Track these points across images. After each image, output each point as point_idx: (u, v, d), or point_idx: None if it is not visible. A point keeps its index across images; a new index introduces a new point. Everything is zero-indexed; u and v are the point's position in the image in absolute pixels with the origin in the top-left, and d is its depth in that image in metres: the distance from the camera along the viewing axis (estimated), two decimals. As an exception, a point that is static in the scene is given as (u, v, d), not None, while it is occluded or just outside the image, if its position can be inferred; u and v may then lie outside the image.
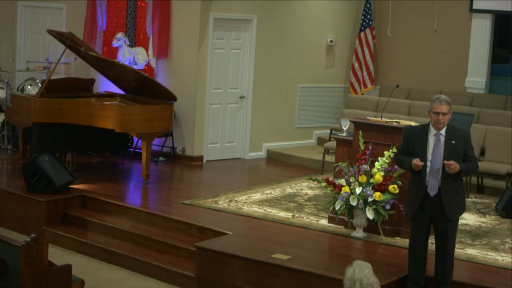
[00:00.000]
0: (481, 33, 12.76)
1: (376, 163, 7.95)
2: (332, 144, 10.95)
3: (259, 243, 7.81)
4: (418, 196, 6.50)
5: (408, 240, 8.05)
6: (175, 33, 11.77)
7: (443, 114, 6.35)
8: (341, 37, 13.60)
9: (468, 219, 9.07)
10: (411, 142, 6.57)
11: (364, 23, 13.52)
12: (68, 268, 6.17)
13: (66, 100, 10.29)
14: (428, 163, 6.43)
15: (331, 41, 13.37)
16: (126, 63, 11.35)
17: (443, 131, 6.40)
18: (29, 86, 11.81)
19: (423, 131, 6.51)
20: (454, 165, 6.30)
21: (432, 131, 6.44)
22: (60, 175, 9.37)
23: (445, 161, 6.32)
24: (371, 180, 7.89)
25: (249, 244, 7.84)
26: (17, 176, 10.14)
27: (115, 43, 11.62)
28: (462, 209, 6.66)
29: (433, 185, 6.43)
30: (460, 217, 9.02)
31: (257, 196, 9.77)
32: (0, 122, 11.77)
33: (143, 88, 10.64)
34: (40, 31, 12.82)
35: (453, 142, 6.37)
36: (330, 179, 8.17)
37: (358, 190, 7.86)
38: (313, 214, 8.96)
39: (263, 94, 12.43)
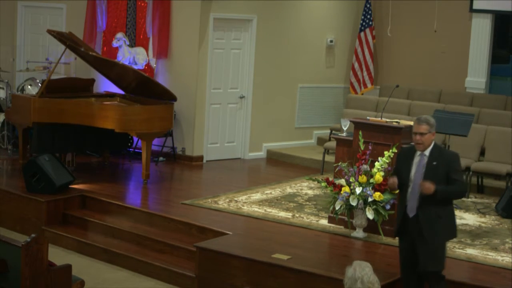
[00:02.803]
0: (481, 33, 12.75)
1: (376, 163, 7.94)
2: (332, 144, 10.95)
3: (259, 243, 7.81)
4: (399, 216, 6.36)
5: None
6: (175, 33, 11.77)
7: (421, 134, 6.14)
8: (341, 37, 13.60)
9: (468, 219, 9.07)
10: (401, 162, 6.44)
11: (364, 23, 13.52)
12: (68, 268, 6.17)
13: (66, 100, 10.29)
14: (410, 183, 6.25)
15: (331, 41, 13.37)
16: (126, 63, 11.35)
17: (427, 152, 6.20)
18: (29, 86, 11.81)
19: (411, 151, 6.32)
20: (427, 186, 6.05)
21: (418, 152, 6.25)
22: (60, 175, 9.37)
23: (420, 182, 6.12)
24: (371, 180, 7.89)
25: (249, 244, 7.84)
26: (17, 176, 10.14)
27: (115, 43, 11.62)
28: (448, 234, 6.34)
29: (412, 206, 6.23)
30: (461, 218, 9.05)
31: (257, 196, 9.77)
32: (0, 122, 11.77)
33: (143, 88, 10.64)
34: (40, 31, 12.81)
35: (435, 163, 6.15)
36: (330, 179, 8.17)
37: (358, 190, 7.86)
38: (313, 214, 8.96)
39: (263, 94, 12.43)
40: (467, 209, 9.54)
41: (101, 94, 11.39)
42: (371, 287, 4.66)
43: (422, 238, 6.22)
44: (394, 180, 6.31)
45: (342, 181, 8.04)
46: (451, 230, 6.36)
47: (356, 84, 13.60)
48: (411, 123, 8.30)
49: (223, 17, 11.81)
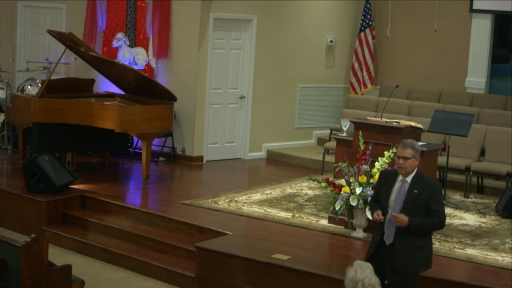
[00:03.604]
0: (481, 33, 12.76)
1: (376, 163, 7.94)
2: (332, 144, 10.96)
3: (259, 243, 7.81)
4: (375, 241, 6.14)
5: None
6: (175, 33, 11.77)
7: (405, 158, 5.94)
8: (341, 37, 13.60)
9: (468, 219, 9.07)
10: (381, 186, 6.24)
11: (364, 23, 13.52)
12: (68, 268, 6.17)
13: (66, 100, 10.29)
14: (389, 209, 6.03)
15: (331, 41, 13.37)
16: (126, 63, 11.35)
17: (409, 179, 5.99)
18: (29, 86, 11.81)
19: (393, 176, 6.09)
20: (400, 218, 5.87)
21: (400, 177, 6.03)
22: (60, 175, 9.37)
23: (392, 213, 5.94)
24: (371, 180, 7.89)
25: (249, 244, 7.84)
26: (17, 176, 10.14)
27: (115, 43, 11.62)
28: (422, 265, 6.09)
29: (389, 234, 6.02)
30: (461, 218, 9.05)
31: (257, 196, 9.77)
32: (0, 122, 11.77)
33: (143, 88, 10.64)
34: (40, 31, 12.82)
35: (416, 191, 5.93)
36: (330, 179, 8.17)
37: (358, 190, 7.86)
38: (313, 214, 8.96)
39: (263, 94, 12.43)
40: (467, 209, 9.54)
41: (101, 94, 11.39)
42: (372, 289, 4.67)
43: (395, 267, 5.99)
44: (378, 214, 6.02)
45: (342, 181, 8.04)
46: (426, 261, 6.12)
47: (356, 84, 13.60)
48: (411, 123, 8.33)
49: (223, 17, 11.81)
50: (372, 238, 6.24)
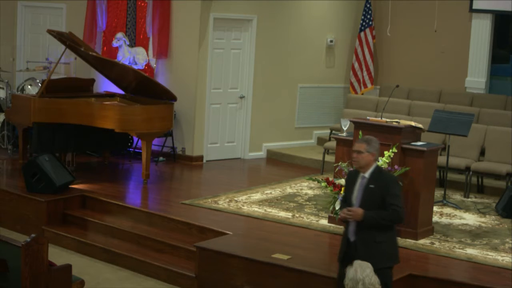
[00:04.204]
0: (481, 33, 12.75)
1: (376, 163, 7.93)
2: (332, 144, 10.95)
3: (259, 243, 7.81)
4: (344, 240, 6.12)
5: (407, 240, 8.09)
6: (175, 33, 11.77)
7: (358, 152, 5.95)
8: (341, 37, 13.59)
9: (468, 219, 9.08)
10: (347, 185, 6.23)
11: (364, 23, 13.51)
12: (68, 268, 6.17)
13: (66, 100, 10.29)
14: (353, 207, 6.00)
15: (331, 41, 13.37)
16: (126, 63, 11.35)
17: (367, 174, 5.98)
18: (29, 86, 11.81)
19: (358, 173, 6.09)
20: (353, 212, 5.87)
21: (361, 174, 6.04)
22: (60, 175, 9.37)
23: (347, 208, 5.93)
24: (371, 180, 7.88)
25: (249, 244, 7.84)
26: (17, 176, 10.14)
27: (115, 43, 11.62)
28: (387, 260, 5.97)
29: (352, 230, 6.00)
30: (461, 218, 9.04)
31: (257, 196, 9.77)
32: (0, 122, 11.77)
33: (143, 88, 10.64)
34: (40, 31, 12.81)
35: (372, 186, 5.94)
36: (330, 179, 8.17)
37: (358, 190, 7.85)
38: (313, 214, 8.96)
39: (263, 94, 12.43)
40: (467, 209, 9.54)
41: (101, 94, 11.39)
42: (372, 289, 4.68)
43: None
44: (344, 211, 5.99)
45: (342, 181, 8.04)
46: (391, 256, 6.03)
47: (356, 84, 13.60)
48: (411, 123, 8.34)
49: (223, 17, 11.80)
50: (342, 239, 6.19)
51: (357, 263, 4.80)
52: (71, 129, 10.44)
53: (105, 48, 12.13)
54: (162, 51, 11.74)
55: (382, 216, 5.88)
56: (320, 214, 8.92)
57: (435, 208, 8.93)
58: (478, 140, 10.61)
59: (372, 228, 5.90)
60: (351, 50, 13.69)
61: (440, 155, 9.66)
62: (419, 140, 8.40)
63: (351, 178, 6.13)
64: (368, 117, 8.71)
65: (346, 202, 6.13)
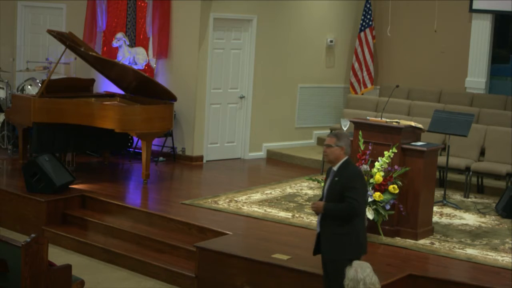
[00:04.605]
0: (481, 33, 12.75)
1: (376, 163, 7.95)
2: (332, 144, 10.93)
3: (259, 243, 7.81)
4: (317, 233, 6.24)
5: (407, 240, 8.09)
6: (175, 33, 11.77)
7: (327, 146, 6.04)
8: (341, 37, 13.59)
9: (468, 219, 9.08)
10: (326, 179, 6.32)
11: (364, 23, 13.51)
12: (68, 268, 6.17)
13: (66, 100, 10.29)
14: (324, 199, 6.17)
15: (331, 41, 13.37)
16: (126, 63, 11.35)
17: (336, 167, 6.06)
18: (29, 86, 11.81)
19: (331, 168, 6.18)
20: (315, 205, 6.08)
21: (332, 167, 6.15)
22: (60, 175, 9.37)
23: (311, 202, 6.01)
24: (371, 180, 7.89)
25: (249, 244, 7.84)
26: (17, 176, 10.14)
27: (115, 43, 11.62)
28: (346, 253, 5.95)
29: (318, 222, 6.17)
30: (461, 218, 9.04)
31: (257, 196, 9.77)
32: (0, 122, 11.77)
33: (143, 88, 10.64)
34: (40, 31, 12.81)
35: (337, 179, 6.02)
36: (330, 179, 8.16)
37: (358, 190, 7.85)
38: (313, 214, 8.94)
39: (263, 94, 12.43)
40: (467, 209, 9.54)
41: (101, 94, 11.39)
42: (373, 288, 4.68)
43: (324, 257, 6.14)
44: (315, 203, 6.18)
45: (342, 181, 8.04)
46: (350, 249, 6.01)
47: (356, 84, 13.60)
48: (411, 123, 8.34)
49: (223, 17, 11.81)
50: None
51: (356, 263, 4.80)
52: (71, 129, 10.44)
53: (105, 48, 12.13)
54: (162, 51, 11.74)
55: (338, 208, 5.99)
56: (320, 214, 8.91)
57: (435, 208, 8.93)
58: (478, 140, 10.61)
59: (333, 221, 6.01)
60: (351, 50, 13.69)
61: (440, 155, 9.67)
62: (419, 140, 8.40)
63: (328, 172, 6.24)
64: (368, 117, 8.71)
65: (322, 195, 6.26)
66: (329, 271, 6.11)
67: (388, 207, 7.87)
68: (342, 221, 5.99)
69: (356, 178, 6.06)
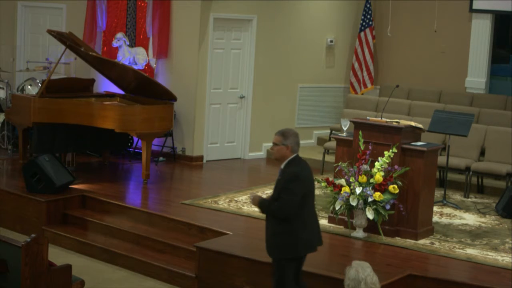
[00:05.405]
0: (481, 33, 12.75)
1: (376, 163, 7.95)
2: (332, 144, 10.95)
3: (259, 243, 7.76)
4: None
5: (407, 240, 8.09)
6: (175, 33, 11.77)
7: (274, 144, 6.05)
8: (341, 37, 13.60)
9: (468, 219, 9.07)
10: None
11: (364, 23, 13.52)
12: (68, 268, 6.17)
13: (66, 100, 10.29)
14: None
15: (331, 41, 13.38)
16: (126, 63, 11.35)
17: (283, 165, 6.06)
18: (29, 86, 11.81)
19: None
20: (253, 196, 6.14)
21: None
22: (60, 175, 9.37)
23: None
24: (371, 180, 7.89)
25: (249, 244, 7.83)
26: (17, 176, 10.14)
27: (115, 43, 11.62)
28: (284, 252, 6.04)
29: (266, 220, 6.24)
30: (461, 218, 9.05)
31: (257, 196, 9.75)
32: (0, 122, 11.77)
33: (143, 88, 10.64)
34: (40, 31, 12.81)
35: (279, 178, 6.05)
36: (330, 179, 8.17)
37: (358, 190, 7.86)
38: (313, 214, 8.94)
39: (263, 94, 12.43)
40: (467, 209, 9.54)
41: (101, 94, 11.39)
42: (373, 288, 4.68)
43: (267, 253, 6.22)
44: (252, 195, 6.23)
45: (342, 181, 8.05)
46: (288, 248, 6.04)
47: (356, 84, 13.60)
48: (411, 123, 8.33)
49: (223, 17, 11.81)
50: None
51: (356, 263, 4.80)
52: (71, 129, 10.44)
53: (105, 48, 12.14)
54: (162, 51, 11.74)
55: (270, 206, 6.04)
56: (320, 214, 8.89)
57: (435, 208, 8.93)
58: (478, 140, 10.61)
59: (272, 219, 6.07)
60: (351, 50, 13.69)
61: (440, 155, 9.67)
62: (419, 140, 8.40)
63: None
64: (368, 117, 8.71)
65: None
66: (274, 267, 6.17)
67: (388, 207, 7.87)
68: (279, 220, 6.02)
69: (292, 179, 5.98)
